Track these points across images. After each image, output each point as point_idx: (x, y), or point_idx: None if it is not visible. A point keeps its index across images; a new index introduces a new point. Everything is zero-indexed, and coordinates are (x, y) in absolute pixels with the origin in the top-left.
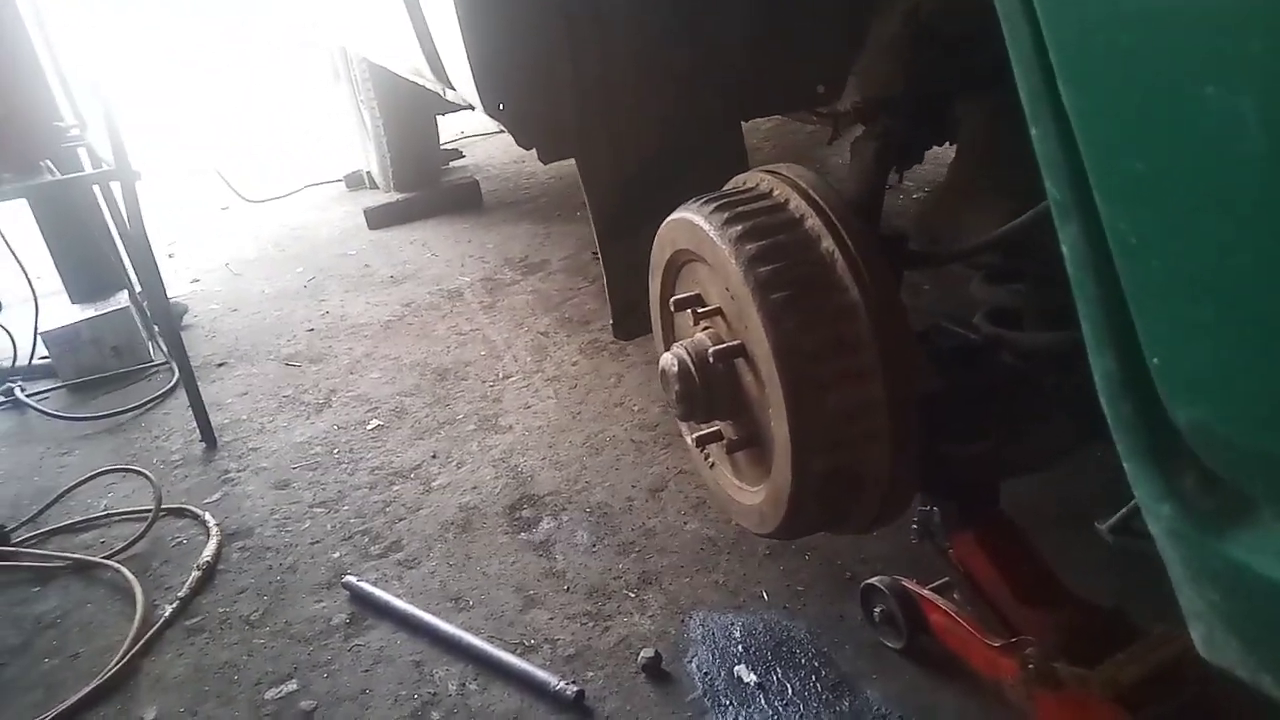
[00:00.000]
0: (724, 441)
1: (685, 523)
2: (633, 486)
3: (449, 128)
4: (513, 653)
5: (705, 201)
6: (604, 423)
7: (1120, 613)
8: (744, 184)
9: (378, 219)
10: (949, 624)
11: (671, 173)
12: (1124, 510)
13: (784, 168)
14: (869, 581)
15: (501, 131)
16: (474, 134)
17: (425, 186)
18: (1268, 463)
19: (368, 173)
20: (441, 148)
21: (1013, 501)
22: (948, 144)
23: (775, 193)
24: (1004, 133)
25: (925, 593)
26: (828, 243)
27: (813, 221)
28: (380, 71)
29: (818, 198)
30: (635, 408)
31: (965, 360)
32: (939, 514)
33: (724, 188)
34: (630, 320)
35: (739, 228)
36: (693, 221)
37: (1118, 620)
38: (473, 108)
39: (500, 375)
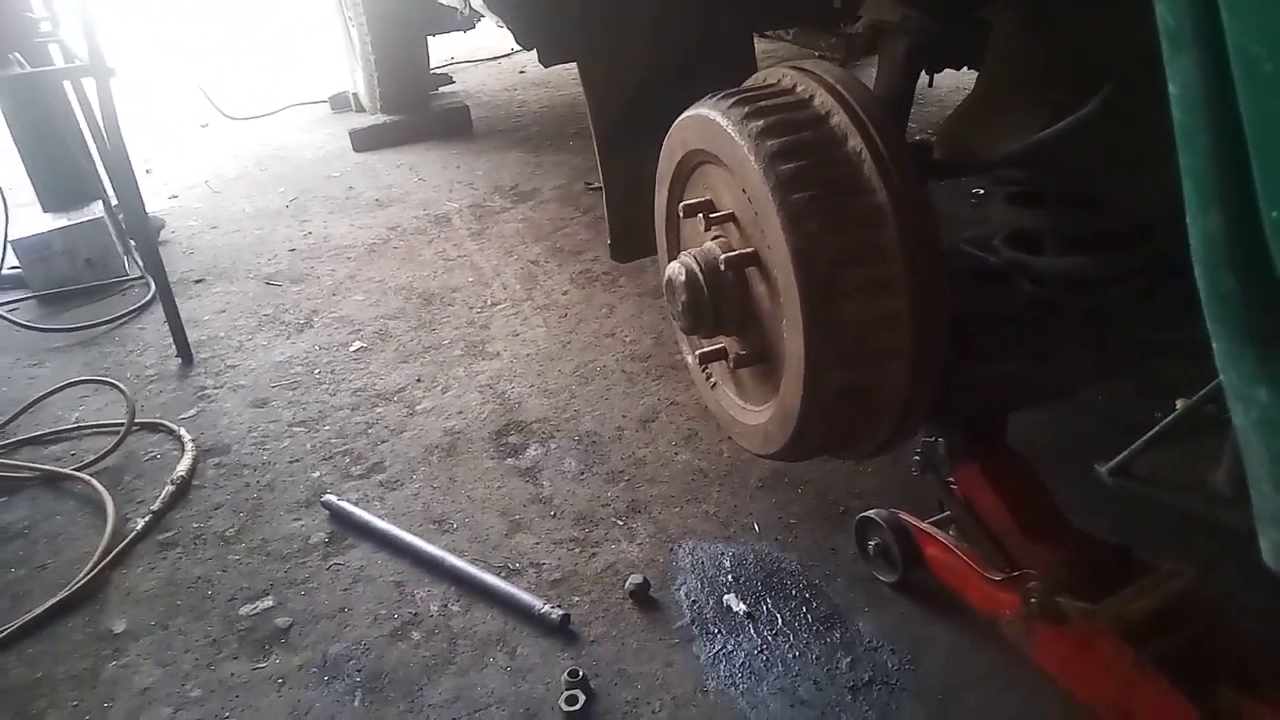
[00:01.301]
0: (729, 358)
1: (676, 453)
2: (623, 416)
3: (439, 52)
4: (497, 575)
5: (723, 97)
6: (595, 352)
7: (1125, 549)
8: (766, 80)
9: (363, 141)
10: (946, 558)
11: (678, 86)
12: (1125, 452)
13: (810, 63)
14: (864, 514)
15: (494, 57)
16: (465, 60)
17: (413, 110)
18: None
19: (354, 94)
20: (431, 72)
21: (1013, 439)
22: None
23: (799, 88)
24: (1036, 44)
25: (922, 526)
26: (855, 141)
27: (839, 119)
28: None
29: (846, 94)
30: (627, 338)
31: (984, 283)
32: (943, 445)
33: (744, 84)
34: (628, 242)
35: (760, 123)
36: (709, 118)
37: (1123, 556)
38: (468, 25)
39: (488, 302)
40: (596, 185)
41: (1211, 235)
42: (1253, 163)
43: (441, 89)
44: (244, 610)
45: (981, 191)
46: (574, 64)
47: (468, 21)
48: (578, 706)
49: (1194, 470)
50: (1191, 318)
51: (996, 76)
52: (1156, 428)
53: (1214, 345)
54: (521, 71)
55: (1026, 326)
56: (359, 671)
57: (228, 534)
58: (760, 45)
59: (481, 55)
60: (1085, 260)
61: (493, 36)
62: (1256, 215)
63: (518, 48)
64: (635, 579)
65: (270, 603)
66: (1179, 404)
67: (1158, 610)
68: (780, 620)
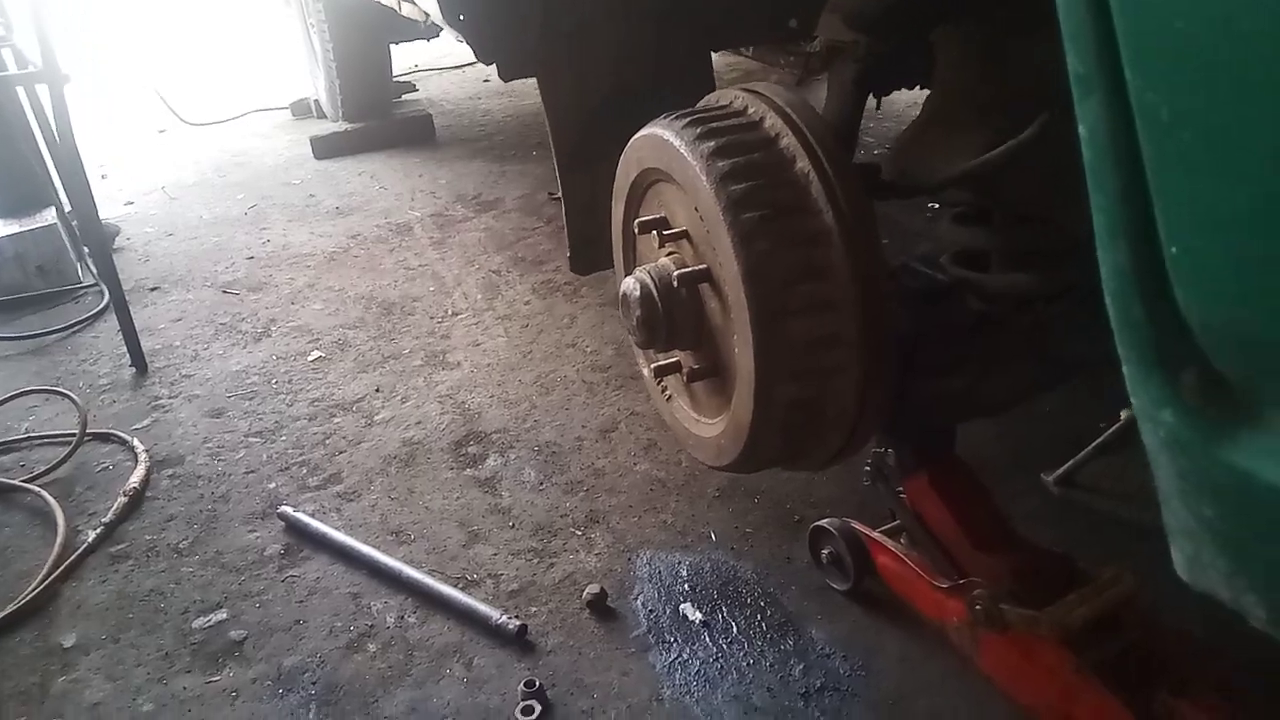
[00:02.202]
0: (683, 372)
1: (635, 464)
2: (583, 427)
3: (402, 60)
4: (455, 587)
5: (676, 117)
6: (555, 363)
7: (1067, 558)
8: (718, 101)
9: (324, 148)
10: (896, 566)
11: (637, 102)
12: (1070, 462)
13: (761, 86)
14: (818, 523)
15: (458, 67)
16: (428, 68)
17: (376, 117)
18: None
19: (315, 101)
20: (395, 80)
21: (961, 450)
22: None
23: (750, 110)
24: (980, 70)
25: (874, 535)
26: (803, 163)
27: (788, 140)
28: None
29: (795, 116)
30: (588, 349)
31: (932, 300)
32: (893, 456)
33: (697, 105)
34: (588, 254)
35: (711, 144)
36: (662, 137)
37: (1065, 565)
38: (431, 34)
39: (449, 312)
40: (559, 195)
41: (1120, 267)
42: (1154, 201)
43: (404, 97)
44: (197, 623)
45: (936, 206)
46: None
47: (431, 30)
48: (534, 716)
49: (1137, 478)
50: None
51: (943, 100)
52: (1100, 438)
53: (1125, 369)
54: (486, 80)
55: (972, 342)
56: (314, 684)
57: (181, 546)
58: (722, 60)
59: (445, 64)
60: (1029, 277)
61: (457, 45)
62: (1159, 250)
63: None
64: (593, 589)
65: (224, 615)
66: (1124, 414)
67: (1098, 617)
68: (735, 628)
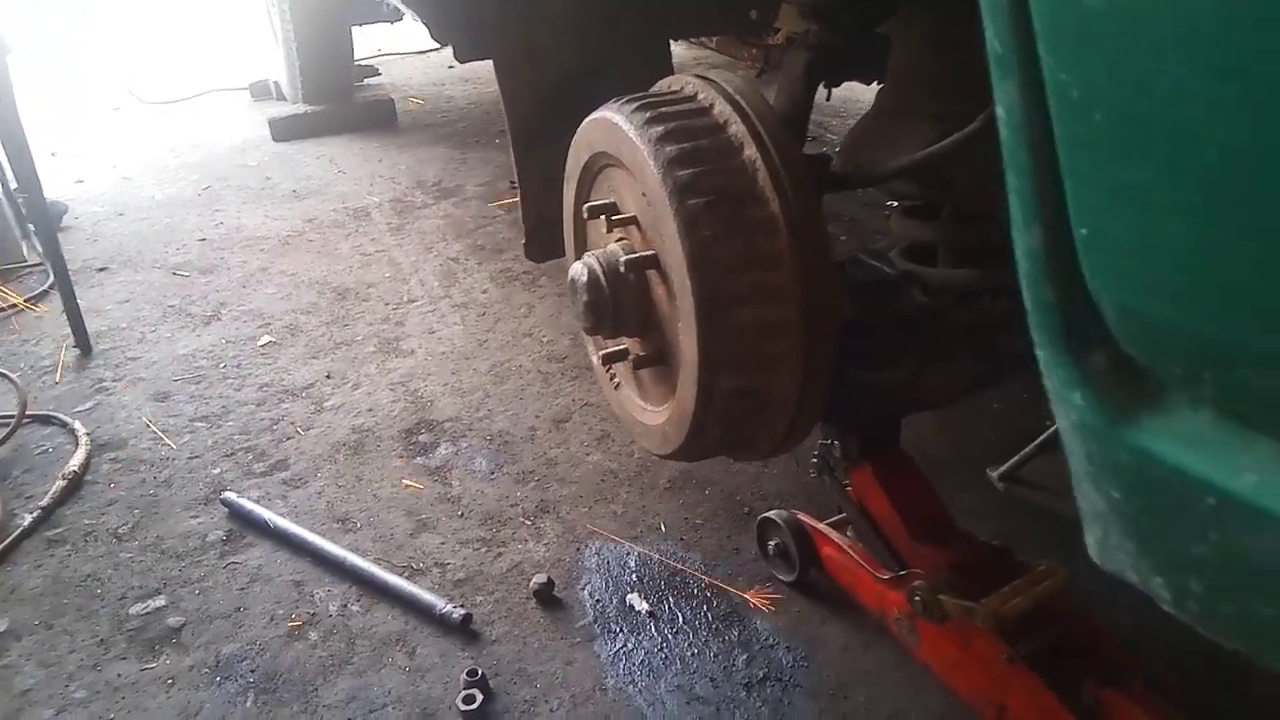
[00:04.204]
0: (630, 359)
1: (588, 454)
2: (536, 416)
3: (366, 45)
4: (400, 575)
5: (627, 101)
6: (511, 352)
7: (1005, 551)
8: (669, 86)
9: (283, 131)
10: (840, 558)
11: (594, 87)
12: (1015, 458)
13: (712, 73)
14: (765, 515)
15: (422, 52)
16: (391, 53)
17: (337, 101)
18: (1191, 342)
19: (275, 82)
20: (357, 63)
21: (910, 445)
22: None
23: (700, 96)
24: (935, 58)
25: (820, 526)
26: (750, 151)
27: (736, 128)
28: None
29: (744, 104)
30: (545, 339)
31: (879, 293)
32: (839, 447)
33: (650, 90)
34: (543, 238)
35: (660, 128)
36: (613, 121)
37: (1002, 558)
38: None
39: (405, 299)
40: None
41: (1033, 249)
42: (1065, 183)
43: (366, 81)
44: (134, 609)
45: (895, 204)
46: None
47: (394, 14)
48: (475, 705)
49: None
50: None
51: (895, 91)
52: (1044, 435)
53: (1038, 352)
54: (450, 67)
55: (914, 335)
56: (253, 672)
57: (120, 531)
58: (688, 53)
59: (409, 48)
60: (972, 272)
61: (421, 31)
62: (1070, 232)
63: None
64: (539, 578)
65: (162, 602)
66: None
67: (1032, 609)
68: (681, 619)
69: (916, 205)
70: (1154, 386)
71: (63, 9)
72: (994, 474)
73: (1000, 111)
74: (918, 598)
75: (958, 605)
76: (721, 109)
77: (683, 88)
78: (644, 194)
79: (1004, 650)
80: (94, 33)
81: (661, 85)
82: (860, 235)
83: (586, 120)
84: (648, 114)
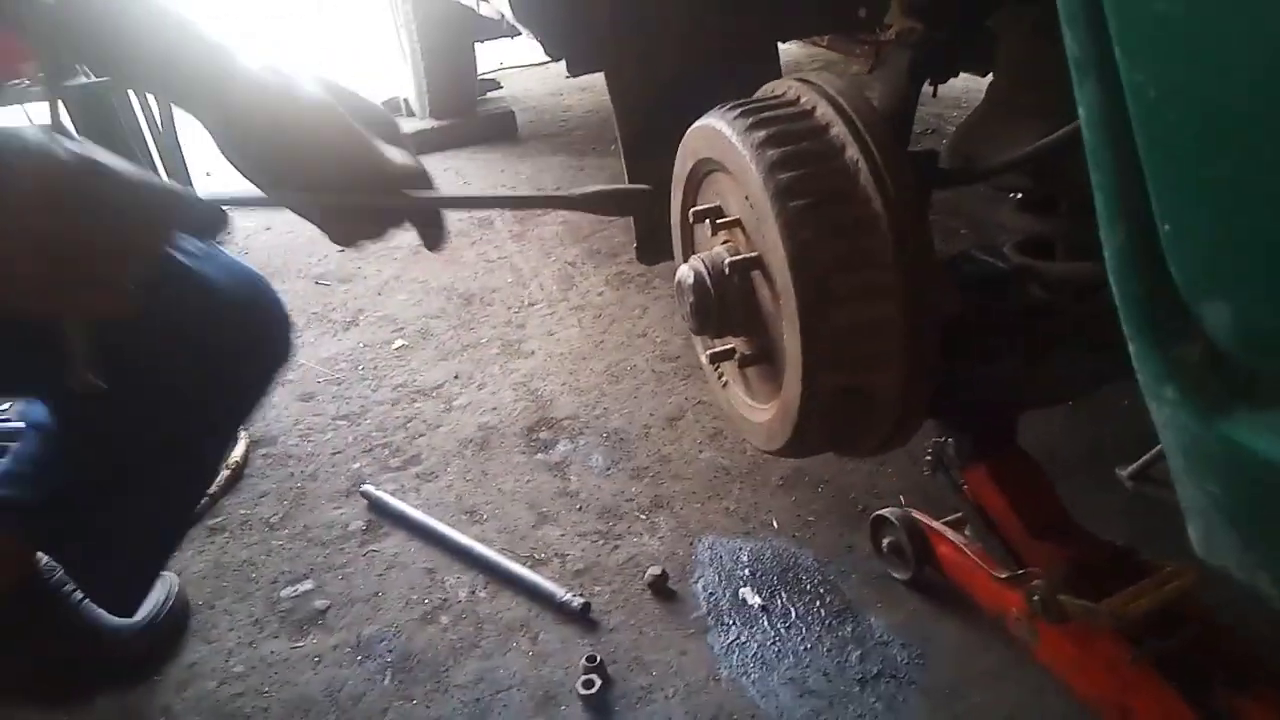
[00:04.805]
0: (736, 358)
1: (700, 451)
2: (650, 414)
3: (488, 59)
4: (523, 565)
5: (730, 108)
6: (626, 352)
7: (1130, 551)
8: (771, 91)
9: (412, 146)
10: (956, 556)
11: (704, 94)
12: (1145, 457)
13: (815, 76)
14: (879, 512)
15: (541, 63)
16: (512, 65)
17: (461, 115)
18: (1276, 334)
19: (405, 100)
20: (480, 77)
21: (1038, 444)
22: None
23: (803, 99)
24: (1045, 51)
25: (935, 524)
26: (851, 151)
27: (838, 130)
28: None
29: (845, 105)
30: (658, 339)
31: (991, 288)
32: (953, 446)
33: (753, 95)
34: (654, 244)
35: (762, 133)
36: (716, 128)
37: (1126, 557)
38: (514, 32)
39: (525, 302)
40: None
41: (1120, 246)
42: (1146, 181)
43: (489, 94)
44: (285, 592)
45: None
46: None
47: (512, 29)
48: (594, 690)
49: None
50: None
51: (1004, 85)
52: None
53: (1130, 347)
54: (567, 77)
55: (1028, 330)
56: (390, 652)
57: (272, 520)
58: (803, 51)
59: (530, 60)
60: (1091, 265)
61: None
62: (1155, 227)
63: None
64: (654, 571)
65: (310, 586)
66: None
67: (1158, 610)
68: (794, 613)
69: (1033, 199)
70: (1246, 379)
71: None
72: (1124, 473)
73: (1082, 112)
74: (1037, 597)
75: (1078, 605)
76: (824, 111)
77: (785, 92)
78: (747, 197)
79: (1128, 652)
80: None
81: (765, 90)
82: (981, 231)
83: (691, 128)
84: (750, 120)
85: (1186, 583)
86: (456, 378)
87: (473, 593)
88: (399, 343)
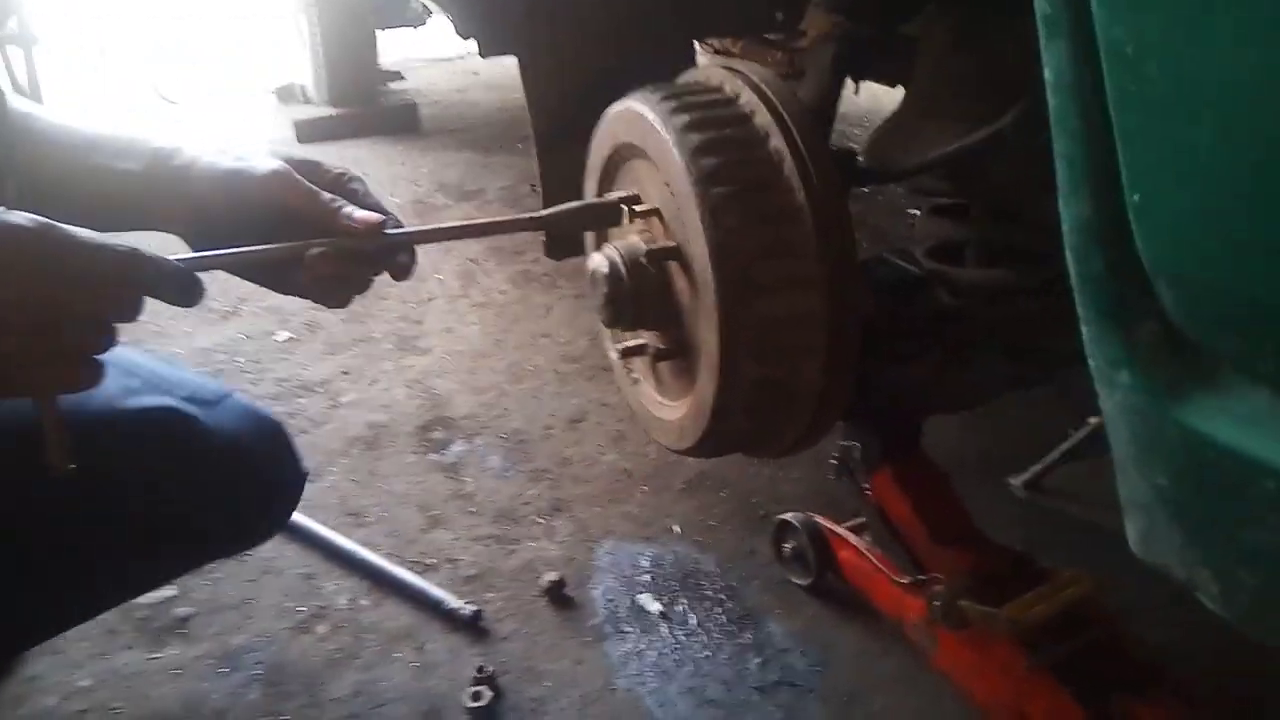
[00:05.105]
0: (649, 353)
1: (603, 454)
2: (551, 416)
3: (392, 51)
4: (410, 570)
5: (653, 90)
6: (528, 352)
7: (1028, 557)
8: (695, 78)
9: (308, 132)
10: (857, 561)
11: (618, 86)
12: (1037, 466)
13: (738, 64)
14: (782, 516)
15: (447, 59)
16: (416, 59)
17: (361, 104)
18: (1251, 313)
19: (302, 86)
20: (382, 69)
21: (930, 452)
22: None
23: (727, 87)
24: (962, 57)
25: (837, 530)
26: (776, 141)
27: (763, 118)
28: None
29: (770, 94)
30: (562, 339)
31: (902, 292)
32: (859, 449)
33: (676, 81)
34: (563, 238)
35: (685, 117)
36: (638, 111)
37: (1026, 564)
38: (418, 21)
39: (424, 298)
40: (539, 189)
41: (1081, 219)
42: (1117, 146)
43: (390, 85)
44: (143, 599)
45: (918, 213)
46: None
47: (418, 17)
48: (483, 702)
49: (1104, 484)
50: None
51: (923, 89)
52: (1068, 442)
53: (1083, 330)
54: (475, 74)
55: (940, 334)
56: (259, 664)
57: None
58: (712, 61)
59: (435, 55)
60: (1002, 272)
61: (447, 37)
62: (1122, 197)
63: (472, 50)
64: (551, 576)
65: (172, 592)
66: (1092, 421)
67: (1055, 616)
68: (693, 621)
69: (945, 204)
70: (1208, 363)
71: (92, 9)
72: (1016, 482)
73: (1048, 74)
74: (937, 603)
75: (978, 611)
76: (748, 99)
77: (709, 78)
78: (667, 184)
79: (1025, 658)
80: (121, 34)
81: (688, 76)
82: (881, 242)
83: (610, 111)
84: (673, 104)
85: (1084, 589)
86: (346, 373)
87: (353, 600)
88: (284, 335)
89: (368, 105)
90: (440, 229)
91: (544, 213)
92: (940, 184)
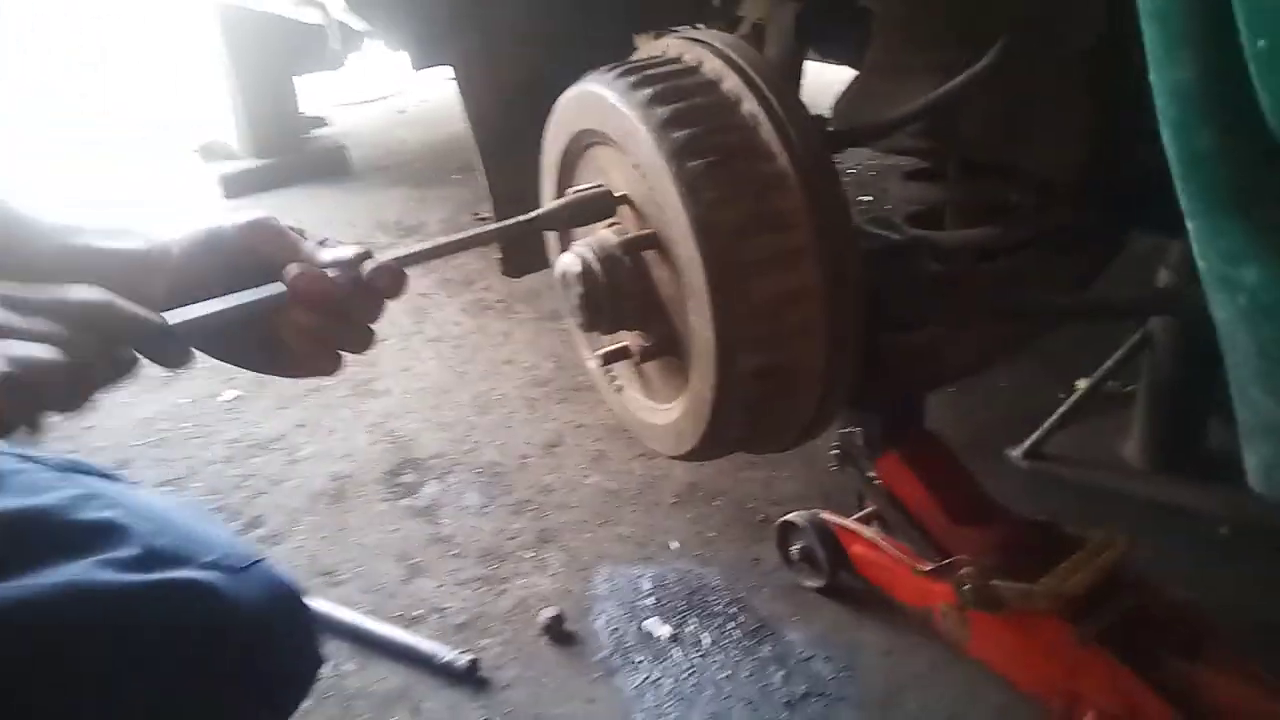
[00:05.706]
0: (633, 355)
1: (585, 476)
2: (526, 443)
3: (313, 97)
4: (395, 625)
5: (608, 69)
6: (492, 381)
7: (1053, 525)
8: (652, 51)
9: (236, 187)
10: (872, 554)
11: (559, 87)
12: (1037, 434)
13: (695, 31)
14: (785, 518)
15: (370, 100)
16: (339, 103)
17: (287, 152)
18: None
19: (225, 142)
20: (305, 115)
21: None
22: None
23: (687, 56)
24: (925, 7)
25: (846, 523)
26: (750, 105)
27: (732, 83)
28: (230, 16)
29: (735, 57)
30: (525, 364)
31: (890, 261)
32: (861, 435)
33: (631, 57)
34: (519, 254)
35: (648, 90)
36: (594, 93)
37: (1052, 533)
38: (335, 63)
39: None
40: (484, 215)
41: (1182, 85)
42: None
43: (314, 132)
44: None
45: (870, 198)
46: (451, 93)
47: (336, 59)
48: None
49: (1105, 447)
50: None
51: (887, 45)
52: (1063, 407)
53: (1189, 225)
54: (401, 112)
55: (935, 300)
56: None
57: None
58: None
59: (358, 98)
60: (989, 230)
61: (368, 78)
62: (1236, 53)
63: (395, 90)
64: (549, 612)
65: None
66: (1080, 384)
67: (1095, 584)
68: (707, 640)
69: (919, 168)
70: None
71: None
72: (1016, 453)
73: None
74: (967, 586)
75: (1013, 589)
76: (712, 66)
77: (667, 50)
78: (636, 166)
79: (1071, 632)
80: (58, 80)
81: (644, 50)
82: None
83: (563, 98)
84: (632, 79)
85: (1119, 550)
86: (301, 426)
87: (336, 666)
88: (230, 394)
89: (294, 153)
90: (425, 249)
91: (534, 213)
92: (914, 142)
